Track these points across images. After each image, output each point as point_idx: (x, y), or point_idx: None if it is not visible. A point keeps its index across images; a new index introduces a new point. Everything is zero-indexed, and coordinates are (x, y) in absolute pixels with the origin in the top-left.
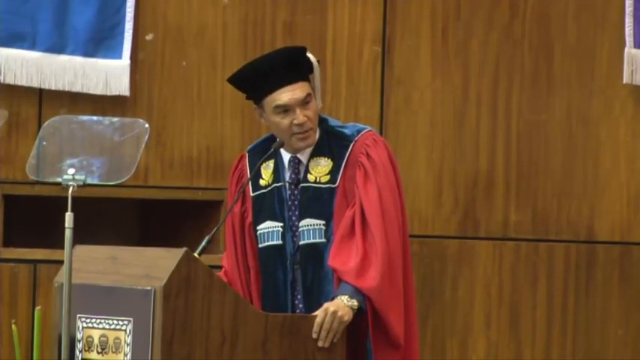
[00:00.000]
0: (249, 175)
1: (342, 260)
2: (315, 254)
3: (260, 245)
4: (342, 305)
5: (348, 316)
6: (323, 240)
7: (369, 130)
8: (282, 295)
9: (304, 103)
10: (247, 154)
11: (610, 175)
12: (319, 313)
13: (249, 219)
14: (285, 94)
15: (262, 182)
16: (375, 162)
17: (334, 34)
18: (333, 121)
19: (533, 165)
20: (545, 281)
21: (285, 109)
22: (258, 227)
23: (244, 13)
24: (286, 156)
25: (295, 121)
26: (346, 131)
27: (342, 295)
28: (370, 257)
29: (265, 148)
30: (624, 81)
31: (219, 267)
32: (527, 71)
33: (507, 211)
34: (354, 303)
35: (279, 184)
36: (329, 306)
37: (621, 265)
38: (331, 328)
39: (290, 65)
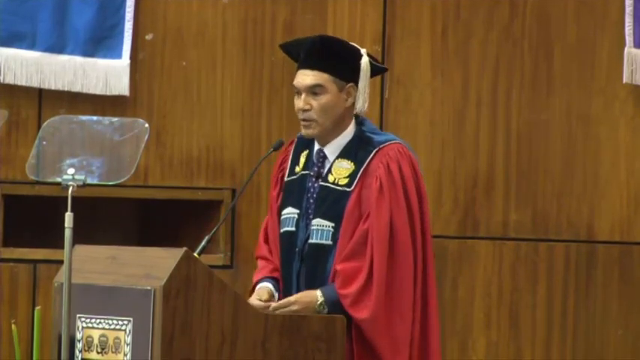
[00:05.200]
0: (289, 161)
1: (346, 280)
2: (321, 255)
3: (281, 230)
4: (310, 307)
5: (307, 313)
6: (329, 242)
7: (398, 142)
8: (293, 281)
9: (312, 92)
10: (296, 140)
11: (610, 175)
12: (284, 302)
13: (279, 203)
14: (299, 76)
15: (297, 169)
16: (393, 177)
17: (334, 34)
18: (369, 126)
19: (533, 165)
20: (545, 281)
21: (297, 91)
22: (282, 212)
23: (244, 13)
24: (316, 147)
25: (298, 106)
26: (375, 138)
27: (322, 297)
28: (370, 285)
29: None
30: (624, 81)
31: (219, 267)
32: (527, 71)
33: (507, 211)
34: (325, 310)
35: (307, 172)
36: (295, 304)
37: (621, 265)
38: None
39: (314, 52)
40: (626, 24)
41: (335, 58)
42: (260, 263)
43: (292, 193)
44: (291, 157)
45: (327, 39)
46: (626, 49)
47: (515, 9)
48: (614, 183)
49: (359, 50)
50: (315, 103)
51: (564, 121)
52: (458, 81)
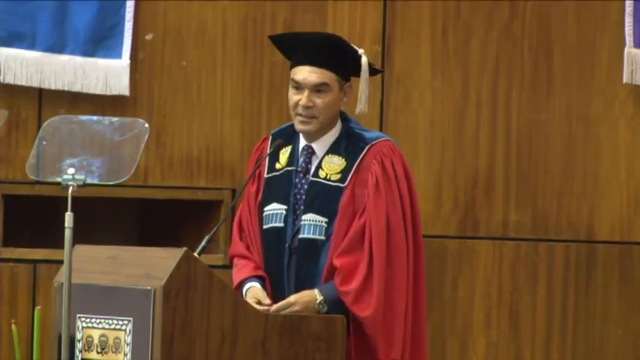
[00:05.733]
0: (267, 158)
1: (346, 276)
2: (313, 251)
3: (264, 226)
4: (310, 306)
5: (308, 313)
6: (322, 237)
7: (388, 139)
8: (279, 278)
9: (316, 90)
10: (270, 137)
11: (610, 175)
12: (284, 303)
13: (259, 199)
14: (302, 73)
15: (278, 165)
16: (388, 174)
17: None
18: (355, 123)
19: (533, 164)
20: (545, 281)
21: (297, 86)
22: (265, 208)
23: (244, 13)
24: (302, 143)
25: (300, 102)
26: (365, 134)
27: (320, 296)
28: (371, 281)
29: (289, 133)
30: (624, 81)
31: (219, 267)
32: (527, 71)
33: (507, 211)
34: (324, 309)
35: (292, 168)
36: (295, 305)
37: (621, 265)
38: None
39: (321, 50)
40: (626, 24)
41: (340, 57)
42: (239, 262)
43: (276, 189)
44: (268, 153)
45: (335, 38)
46: (626, 49)
47: (515, 9)
48: (614, 183)
49: (357, 50)
50: (319, 101)
51: (564, 121)
52: (458, 81)
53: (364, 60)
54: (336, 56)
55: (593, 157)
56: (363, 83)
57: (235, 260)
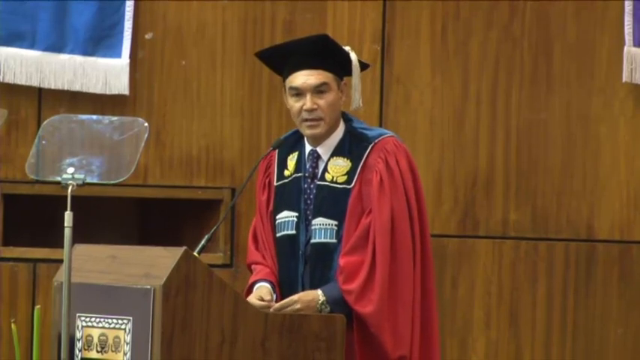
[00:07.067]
0: (276, 166)
1: (349, 275)
2: (325, 254)
3: (277, 235)
4: (312, 305)
5: (309, 312)
6: (334, 240)
7: (392, 136)
8: (294, 285)
9: (317, 91)
10: (277, 142)
11: (609, 174)
12: (287, 301)
13: (271, 208)
14: (300, 78)
15: (286, 173)
16: (392, 171)
17: (334, 33)
18: (358, 123)
19: (533, 164)
20: (544, 280)
21: (298, 93)
22: (277, 217)
23: (244, 13)
24: (308, 148)
25: (304, 107)
26: (368, 133)
27: (323, 296)
28: (373, 279)
29: (294, 140)
30: (624, 80)
31: (219, 266)
32: (526, 70)
33: (507, 210)
34: (327, 309)
35: (300, 174)
36: (297, 302)
37: (621, 264)
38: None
39: (313, 51)
40: (626, 23)
41: (332, 55)
42: (257, 267)
43: (286, 196)
44: (276, 161)
45: (324, 38)
46: (625, 48)
47: (515, 9)
48: (613, 182)
49: (344, 48)
50: (322, 101)
51: (564, 120)
52: (458, 80)
53: (354, 56)
54: (328, 55)
55: (593, 156)
56: (356, 79)
57: (253, 266)
